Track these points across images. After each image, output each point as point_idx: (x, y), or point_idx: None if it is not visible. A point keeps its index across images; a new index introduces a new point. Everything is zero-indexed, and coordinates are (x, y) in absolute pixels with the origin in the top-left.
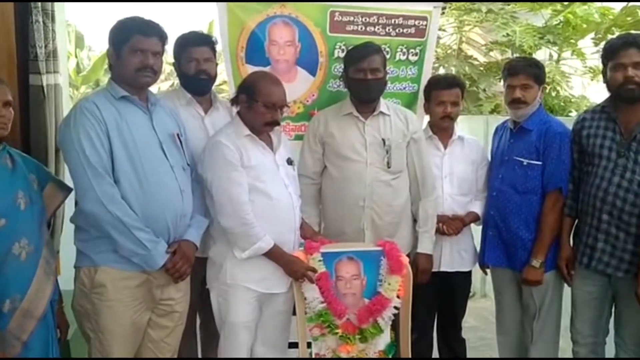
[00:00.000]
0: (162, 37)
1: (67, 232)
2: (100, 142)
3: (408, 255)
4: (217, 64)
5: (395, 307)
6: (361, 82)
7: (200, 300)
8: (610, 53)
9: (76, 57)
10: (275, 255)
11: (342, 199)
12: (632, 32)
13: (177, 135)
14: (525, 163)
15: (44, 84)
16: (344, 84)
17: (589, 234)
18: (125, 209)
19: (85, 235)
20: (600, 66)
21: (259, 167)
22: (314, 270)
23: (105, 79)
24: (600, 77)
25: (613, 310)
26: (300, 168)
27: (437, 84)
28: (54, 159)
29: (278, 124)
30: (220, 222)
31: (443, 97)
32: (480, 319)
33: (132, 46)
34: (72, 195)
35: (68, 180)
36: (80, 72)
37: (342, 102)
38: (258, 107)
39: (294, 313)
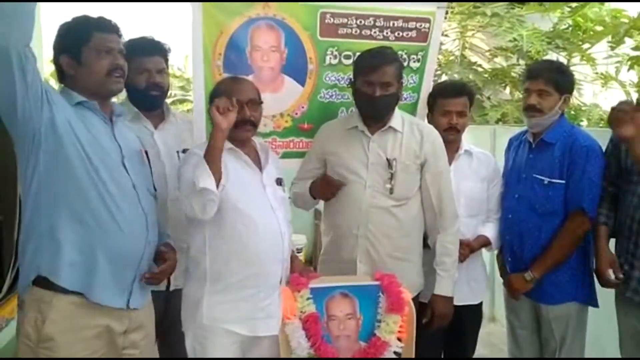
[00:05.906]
0: (119, 33)
1: None
2: None
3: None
4: (168, 75)
5: (396, 353)
6: (369, 98)
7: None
8: None
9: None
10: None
11: (338, 224)
12: None
13: (145, 152)
14: (546, 182)
15: None
16: (351, 94)
17: (625, 260)
18: None
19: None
20: (612, 72)
21: (240, 185)
22: None
23: None
24: (612, 83)
25: None
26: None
27: (441, 92)
28: None
29: (252, 123)
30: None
31: (448, 107)
32: (488, 346)
33: (96, 46)
34: None
35: None
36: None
37: (349, 114)
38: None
39: None
